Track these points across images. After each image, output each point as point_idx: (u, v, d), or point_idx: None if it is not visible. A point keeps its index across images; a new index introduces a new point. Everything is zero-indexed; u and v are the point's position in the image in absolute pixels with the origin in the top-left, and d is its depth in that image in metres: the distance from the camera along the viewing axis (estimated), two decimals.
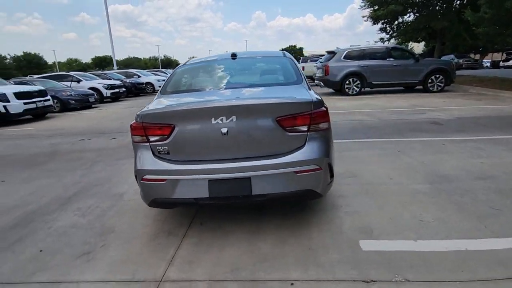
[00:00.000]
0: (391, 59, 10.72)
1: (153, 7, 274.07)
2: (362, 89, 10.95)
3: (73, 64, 74.13)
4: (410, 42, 23.84)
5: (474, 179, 3.17)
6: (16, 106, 8.82)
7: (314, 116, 2.10)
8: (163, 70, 25.84)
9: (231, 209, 2.78)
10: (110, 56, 78.31)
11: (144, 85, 17.87)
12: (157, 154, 2.16)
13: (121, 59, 75.75)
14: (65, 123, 8.76)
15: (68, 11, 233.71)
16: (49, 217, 2.90)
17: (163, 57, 74.57)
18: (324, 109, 2.18)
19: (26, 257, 2.26)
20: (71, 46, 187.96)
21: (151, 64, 72.56)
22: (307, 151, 2.11)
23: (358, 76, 10.76)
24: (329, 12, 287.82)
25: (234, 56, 3.00)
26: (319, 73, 11.62)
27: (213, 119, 2.02)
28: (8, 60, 55.38)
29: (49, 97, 10.05)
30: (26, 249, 2.38)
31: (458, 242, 2.11)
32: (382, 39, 18.90)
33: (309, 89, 2.49)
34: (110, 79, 15.95)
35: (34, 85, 10.77)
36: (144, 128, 2.12)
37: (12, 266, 2.17)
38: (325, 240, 2.23)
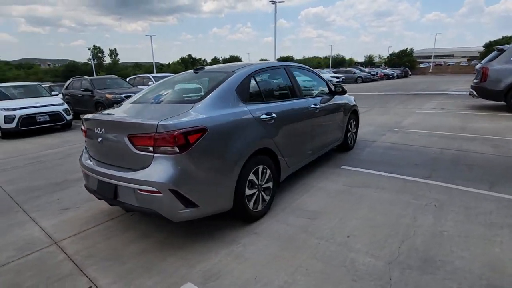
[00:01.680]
0: None
1: (343, 5, 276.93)
2: None
3: None
4: None
5: (481, 278, 1.83)
6: None
7: (158, 139, 2.06)
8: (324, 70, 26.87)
9: None
10: (292, 56, 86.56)
11: None
12: (85, 150, 2.82)
13: (300, 58, 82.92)
14: None
15: (270, 19, 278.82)
16: None
17: (336, 56, 75.24)
18: (177, 133, 2.06)
19: (50, 200, 3.57)
20: (267, 48, 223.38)
21: (324, 63, 75.13)
22: (148, 172, 2.12)
23: None
24: None
25: (196, 71, 3.16)
26: (475, 79, 8.54)
27: (95, 129, 2.44)
28: (220, 62, 74.24)
29: None
30: (56, 195, 3.71)
31: None
32: None
33: (208, 109, 2.34)
34: None
35: None
36: (82, 130, 2.83)
37: (42, 202, 3.50)
38: (170, 269, 2.16)
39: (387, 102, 11.31)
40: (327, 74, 24.46)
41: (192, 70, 3.24)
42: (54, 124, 8.80)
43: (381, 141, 5.40)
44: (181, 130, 2.09)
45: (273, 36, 31.60)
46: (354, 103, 4.90)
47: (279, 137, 2.95)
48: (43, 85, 11.42)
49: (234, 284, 1.96)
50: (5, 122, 7.99)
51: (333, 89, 4.25)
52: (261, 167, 2.72)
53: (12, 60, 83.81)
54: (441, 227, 2.49)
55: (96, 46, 72.99)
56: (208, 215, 2.36)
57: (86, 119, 2.67)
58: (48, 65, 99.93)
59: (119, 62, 75.53)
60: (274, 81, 3.36)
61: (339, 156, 4.65)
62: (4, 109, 8.12)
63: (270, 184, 2.88)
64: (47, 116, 8.64)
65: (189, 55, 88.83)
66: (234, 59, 73.21)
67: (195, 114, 2.26)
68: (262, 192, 2.78)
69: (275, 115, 2.89)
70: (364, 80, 29.76)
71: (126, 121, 2.31)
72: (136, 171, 2.20)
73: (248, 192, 2.58)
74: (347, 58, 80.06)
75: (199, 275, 2.07)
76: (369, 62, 75.22)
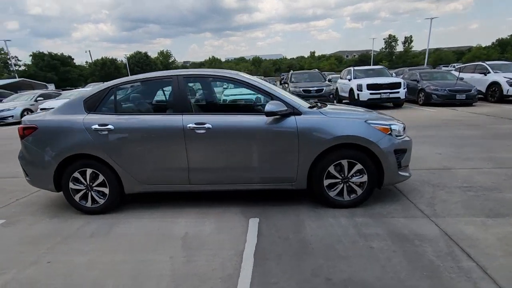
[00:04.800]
0: None
1: None
2: None
3: None
4: None
5: None
6: (364, 95, 10.95)
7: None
8: None
9: None
10: None
11: None
12: None
13: None
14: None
15: None
16: None
17: None
18: (19, 127, 3.10)
19: None
20: None
21: None
22: None
23: None
24: None
25: None
26: None
27: None
28: None
29: (400, 90, 10.72)
30: None
31: None
32: None
33: (53, 114, 3.11)
34: None
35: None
36: None
37: None
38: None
39: None
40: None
41: None
42: None
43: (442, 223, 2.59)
44: (21, 125, 3.13)
45: None
46: (353, 133, 2.81)
47: (118, 149, 2.97)
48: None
49: None
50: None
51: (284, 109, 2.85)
52: (89, 170, 3.04)
53: (329, 54, 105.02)
54: None
55: (391, 35, 74.21)
56: (44, 189, 3.25)
57: None
58: (354, 55, 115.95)
59: (412, 49, 72.13)
60: (144, 94, 3.11)
61: (301, 207, 3.04)
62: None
63: (106, 190, 3.08)
64: None
65: None
66: None
67: (40, 116, 3.16)
68: (93, 193, 3.10)
69: (112, 127, 2.94)
70: None
71: None
72: None
73: (72, 186, 3.09)
74: None
75: None
76: None
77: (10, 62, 31.53)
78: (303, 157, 2.88)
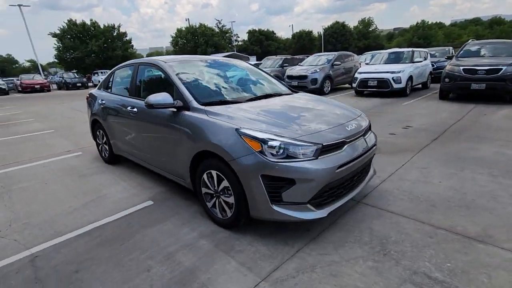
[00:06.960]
0: None
1: None
2: None
3: None
4: None
5: None
6: None
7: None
8: None
9: None
10: None
11: None
12: None
13: None
14: None
15: None
16: None
17: None
18: (87, 95, 4.69)
19: None
20: None
21: None
22: None
23: None
24: None
25: None
26: None
27: None
28: None
29: None
30: None
31: None
32: None
33: (97, 88, 4.45)
34: None
35: None
36: None
37: None
38: None
39: None
40: None
41: None
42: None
43: None
44: (87, 94, 4.71)
45: None
46: (212, 141, 2.26)
47: (107, 119, 3.91)
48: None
49: None
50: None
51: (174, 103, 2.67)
52: (101, 131, 4.24)
53: None
54: None
55: None
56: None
57: None
58: None
59: None
60: (124, 77, 3.62)
61: (200, 207, 2.85)
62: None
63: (107, 148, 4.21)
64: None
65: None
66: None
67: (94, 89, 4.58)
68: (103, 148, 4.32)
69: (104, 102, 3.90)
70: None
71: None
72: None
73: (97, 140, 4.45)
74: None
75: None
76: None
77: (232, 39, 41.77)
78: (183, 158, 2.65)
